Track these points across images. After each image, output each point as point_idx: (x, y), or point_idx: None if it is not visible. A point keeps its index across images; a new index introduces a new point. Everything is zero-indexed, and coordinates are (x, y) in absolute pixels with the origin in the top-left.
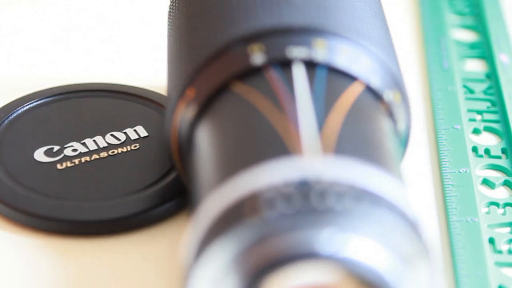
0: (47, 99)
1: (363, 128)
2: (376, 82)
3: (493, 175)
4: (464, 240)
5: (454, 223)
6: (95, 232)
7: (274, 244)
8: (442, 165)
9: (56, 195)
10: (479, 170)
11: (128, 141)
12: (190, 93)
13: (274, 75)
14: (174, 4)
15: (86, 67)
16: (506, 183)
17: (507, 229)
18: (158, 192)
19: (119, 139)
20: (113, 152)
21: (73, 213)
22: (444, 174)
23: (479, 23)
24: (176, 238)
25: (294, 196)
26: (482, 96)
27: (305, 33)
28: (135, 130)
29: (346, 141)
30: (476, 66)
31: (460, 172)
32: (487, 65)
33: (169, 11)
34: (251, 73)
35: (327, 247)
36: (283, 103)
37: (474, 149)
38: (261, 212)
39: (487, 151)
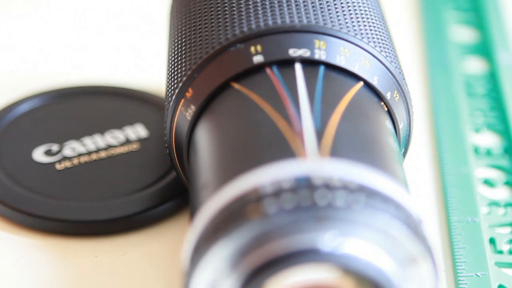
0: (47, 99)
1: (363, 127)
2: (376, 82)
3: (493, 175)
4: (465, 240)
5: (454, 223)
6: (95, 232)
7: (274, 243)
8: (443, 165)
9: (55, 195)
10: (480, 170)
11: (128, 141)
12: (190, 93)
13: (273, 75)
14: (174, 4)
15: (86, 67)
16: (506, 183)
17: (508, 229)
18: (158, 192)
19: (118, 139)
20: (112, 152)
21: (72, 213)
22: (444, 174)
23: (480, 22)
24: (176, 238)
25: (295, 195)
26: (483, 95)
27: (305, 33)
28: (134, 131)
29: (346, 141)
30: (477, 65)
31: (460, 172)
32: (488, 64)
33: (169, 11)
34: (251, 73)
35: (328, 245)
36: (283, 103)
37: (475, 149)
38: (262, 210)
39: (487, 151)
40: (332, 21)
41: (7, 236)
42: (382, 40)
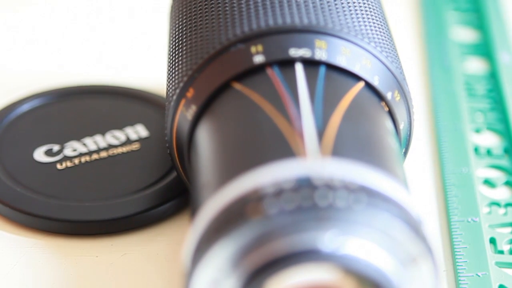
0: (47, 99)
1: (364, 127)
2: (376, 82)
3: (494, 175)
4: (465, 240)
5: (455, 223)
6: (95, 232)
7: (275, 243)
8: (443, 165)
9: (56, 195)
10: (481, 170)
11: (128, 141)
12: (191, 93)
13: (274, 75)
14: (174, 4)
15: (86, 67)
16: (507, 183)
17: (508, 229)
18: (158, 192)
19: (119, 139)
20: (113, 152)
21: (73, 213)
22: (445, 174)
23: (480, 22)
24: (176, 238)
25: (296, 195)
26: (483, 95)
27: (306, 33)
28: (135, 130)
29: (347, 141)
30: (477, 65)
31: (461, 172)
32: (488, 64)
33: (170, 11)
34: (251, 73)
35: (328, 245)
36: (284, 104)
37: (475, 149)
38: (263, 210)
39: (488, 151)
40: (333, 21)
41: (8, 236)
42: (383, 40)
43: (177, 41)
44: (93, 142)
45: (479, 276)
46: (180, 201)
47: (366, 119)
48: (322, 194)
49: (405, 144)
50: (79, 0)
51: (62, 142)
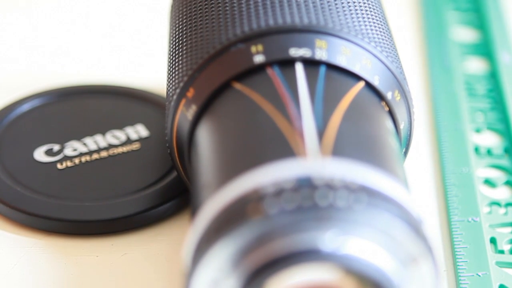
0: (47, 99)
1: (364, 127)
2: (377, 81)
3: (494, 175)
4: (466, 240)
5: (455, 223)
6: (95, 232)
7: (275, 243)
8: (444, 165)
9: (56, 195)
10: (481, 170)
11: (129, 141)
12: (191, 92)
13: (275, 75)
14: (174, 4)
15: (86, 67)
16: (507, 183)
17: (509, 229)
18: (158, 192)
19: (119, 139)
20: (113, 152)
21: (73, 213)
22: (445, 174)
23: (480, 22)
24: (176, 238)
25: (296, 195)
26: (483, 95)
27: (306, 33)
28: (135, 130)
29: (347, 141)
30: (477, 65)
31: (461, 172)
32: (489, 64)
33: (170, 11)
34: (252, 73)
35: (329, 245)
36: (284, 103)
37: (476, 149)
38: (263, 210)
39: (488, 151)
40: (333, 21)
41: (8, 236)
42: (383, 40)
43: (177, 41)
44: (93, 142)
45: (479, 276)
46: (180, 201)
47: (366, 119)
48: (322, 194)
49: (405, 144)
50: (79, 0)
51: (62, 141)
